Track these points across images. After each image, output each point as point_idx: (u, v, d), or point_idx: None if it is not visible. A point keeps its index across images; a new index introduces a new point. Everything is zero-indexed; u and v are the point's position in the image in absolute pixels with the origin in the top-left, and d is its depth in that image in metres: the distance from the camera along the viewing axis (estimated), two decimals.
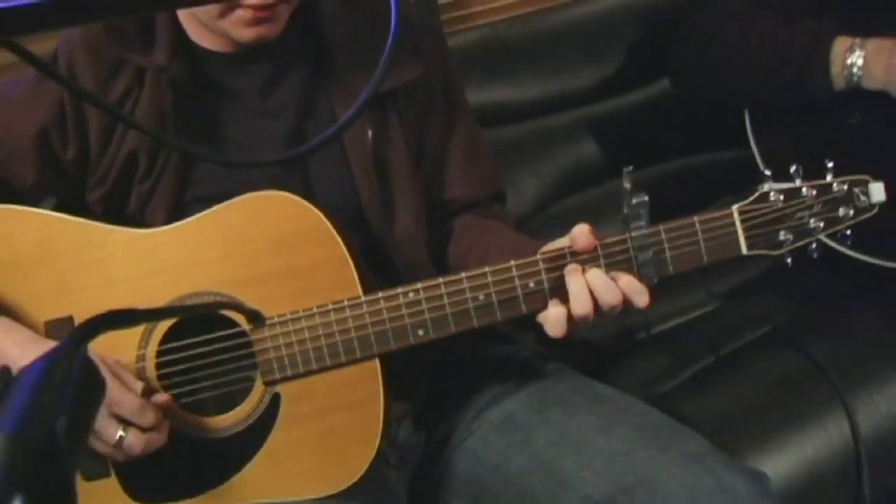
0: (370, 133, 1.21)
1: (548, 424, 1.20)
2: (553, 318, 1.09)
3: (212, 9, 1.11)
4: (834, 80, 1.48)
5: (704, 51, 1.63)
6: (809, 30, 1.50)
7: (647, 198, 1.06)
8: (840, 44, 1.47)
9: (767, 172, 1.10)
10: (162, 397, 1.11)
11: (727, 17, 1.60)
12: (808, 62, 1.48)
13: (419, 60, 1.26)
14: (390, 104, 1.23)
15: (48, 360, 0.61)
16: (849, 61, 1.46)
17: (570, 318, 1.08)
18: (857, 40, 1.46)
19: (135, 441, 1.07)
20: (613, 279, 1.07)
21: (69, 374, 0.61)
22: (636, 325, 1.65)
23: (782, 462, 1.34)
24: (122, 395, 1.08)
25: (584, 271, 1.08)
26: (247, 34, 1.14)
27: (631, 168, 1.07)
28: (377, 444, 1.12)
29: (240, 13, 1.11)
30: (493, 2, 2.10)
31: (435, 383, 1.31)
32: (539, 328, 1.12)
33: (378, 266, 1.19)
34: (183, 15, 1.20)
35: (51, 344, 1.12)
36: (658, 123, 1.90)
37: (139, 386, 1.10)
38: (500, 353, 1.34)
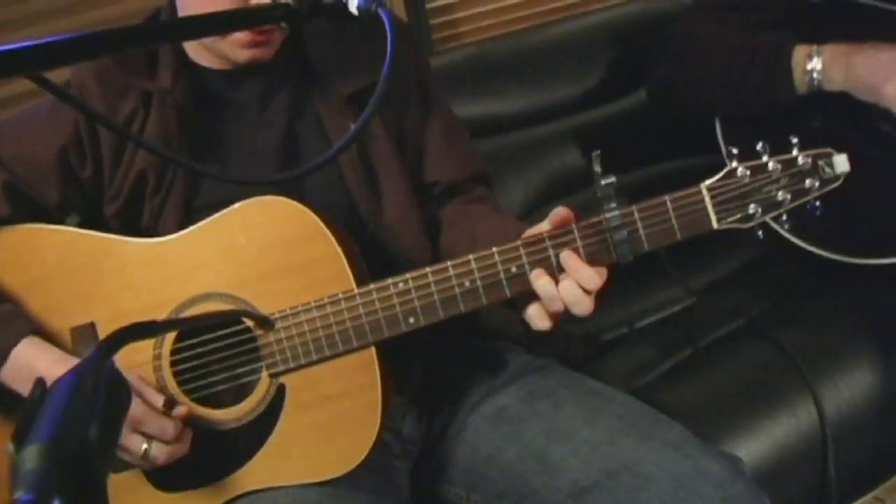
0: (352, 127, 1.27)
1: (537, 416, 1.25)
2: (535, 314, 1.14)
3: None
4: (797, 86, 1.55)
5: (677, 66, 1.71)
6: (771, 41, 1.58)
7: (614, 179, 1.08)
8: (799, 52, 1.55)
9: (734, 151, 1.12)
10: (182, 410, 1.17)
11: (696, 34, 1.68)
12: (771, 71, 1.56)
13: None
14: (369, 100, 1.29)
15: (78, 372, 0.67)
16: (809, 67, 1.53)
17: (549, 312, 1.13)
18: (815, 47, 1.54)
19: (159, 453, 1.14)
20: (564, 264, 1.10)
21: (97, 384, 0.66)
22: (619, 321, 1.71)
23: (755, 446, 1.40)
24: (145, 413, 1.14)
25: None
26: (242, 55, 1.22)
27: (599, 152, 1.09)
28: (378, 426, 1.18)
29: (238, 35, 1.19)
30: (480, 21, 2.20)
31: (430, 378, 1.36)
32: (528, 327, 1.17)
33: (374, 252, 1.25)
34: None
35: (75, 363, 1.16)
36: (635, 132, 1.97)
37: (160, 401, 1.17)
38: (491, 349, 1.40)
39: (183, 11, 1.23)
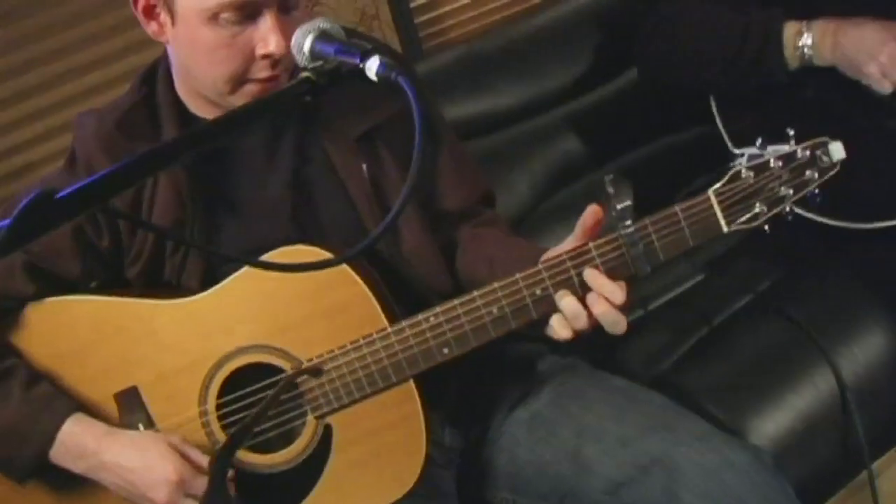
0: (365, 167, 1.25)
1: (569, 417, 1.26)
2: (558, 325, 1.12)
3: (222, 87, 1.15)
4: (788, 62, 1.52)
5: (668, 47, 1.67)
6: (761, 20, 1.54)
7: (630, 202, 1.08)
8: (789, 28, 1.51)
9: (737, 152, 1.11)
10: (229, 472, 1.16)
11: (685, 14, 1.63)
12: (763, 48, 1.52)
13: (396, 93, 1.29)
14: (379, 138, 1.26)
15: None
16: (800, 43, 1.50)
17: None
18: (804, 23, 1.50)
19: None
20: (588, 282, 1.09)
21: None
22: (634, 303, 1.69)
23: (781, 418, 1.40)
24: (193, 478, 1.15)
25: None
26: None
27: (612, 176, 1.08)
28: (425, 453, 1.18)
29: (249, 87, 1.15)
30: (466, 13, 2.13)
31: (464, 389, 1.36)
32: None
33: (393, 282, 1.23)
34: (183, 93, 1.23)
35: (124, 437, 1.18)
36: (630, 112, 1.92)
37: (205, 461, 1.16)
38: (517, 353, 1.39)
39: (189, 66, 1.18)
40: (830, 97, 1.54)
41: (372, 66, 0.91)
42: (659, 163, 1.88)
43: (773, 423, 1.39)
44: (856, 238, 1.49)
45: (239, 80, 1.14)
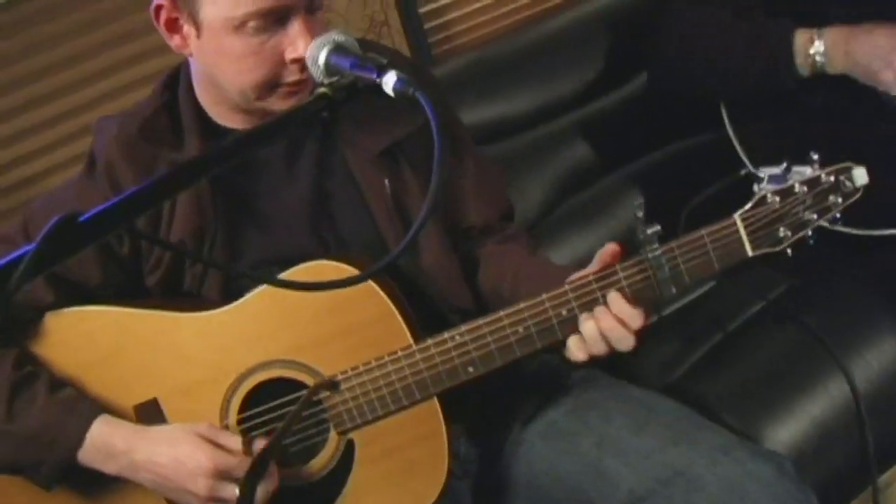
0: (387, 182, 1.24)
1: (588, 428, 1.25)
2: (574, 346, 1.14)
3: (251, 94, 1.15)
4: (800, 70, 1.52)
5: (678, 56, 1.67)
6: (771, 28, 1.54)
7: (659, 227, 1.09)
8: (800, 36, 1.51)
9: (761, 175, 1.12)
10: (261, 443, 1.17)
11: (696, 23, 1.63)
12: (774, 58, 1.52)
13: (419, 107, 1.29)
14: (400, 153, 1.26)
15: None
16: (811, 51, 1.50)
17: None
18: (815, 31, 1.50)
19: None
20: (609, 305, 1.10)
21: None
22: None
23: (795, 427, 1.40)
24: (226, 459, 1.14)
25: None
26: (284, 105, 1.16)
27: (642, 201, 1.10)
28: (445, 470, 1.19)
29: (281, 90, 1.14)
30: (475, 18, 2.12)
31: (482, 401, 1.35)
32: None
33: (412, 297, 1.23)
34: (205, 101, 1.23)
35: (153, 433, 1.17)
36: (641, 117, 1.92)
37: (238, 442, 1.16)
38: (537, 363, 1.39)
39: (215, 76, 1.17)
40: (840, 103, 1.54)
41: (389, 82, 0.91)
42: (670, 168, 1.88)
43: (787, 430, 1.39)
44: (869, 245, 1.49)
45: (268, 86, 1.13)
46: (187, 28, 1.13)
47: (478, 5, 2.11)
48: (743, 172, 1.62)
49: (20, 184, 1.78)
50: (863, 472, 1.41)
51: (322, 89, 0.89)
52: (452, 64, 1.89)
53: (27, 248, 0.66)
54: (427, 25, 2.06)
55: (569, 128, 1.88)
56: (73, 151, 1.77)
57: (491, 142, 1.81)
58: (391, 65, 0.92)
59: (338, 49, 1.00)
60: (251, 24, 1.08)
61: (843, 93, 1.52)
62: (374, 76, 0.91)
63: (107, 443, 1.16)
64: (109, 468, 1.17)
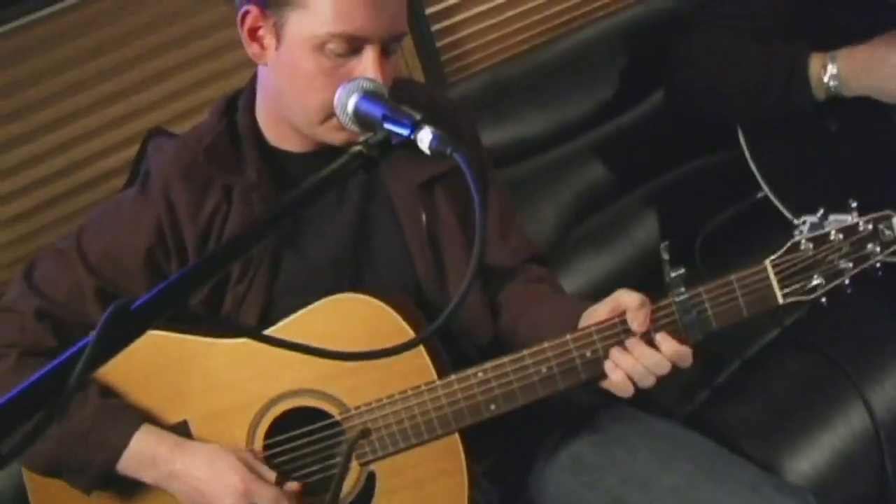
0: (424, 217, 1.24)
1: (614, 463, 1.24)
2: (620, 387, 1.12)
3: (314, 115, 1.14)
4: (815, 94, 1.51)
5: (694, 80, 1.65)
6: (786, 53, 1.53)
7: (683, 270, 1.07)
8: (815, 61, 1.50)
9: (797, 222, 1.09)
10: (293, 485, 1.17)
11: (711, 47, 1.61)
12: (789, 83, 1.51)
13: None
14: (439, 188, 1.26)
15: None
16: (826, 76, 1.48)
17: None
18: (829, 55, 1.49)
19: None
20: (658, 346, 1.09)
21: None
22: None
23: (817, 457, 1.39)
24: (260, 488, 1.14)
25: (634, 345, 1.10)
26: (339, 137, 1.16)
27: (667, 243, 1.07)
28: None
29: (336, 120, 1.12)
30: (487, 35, 2.09)
31: (505, 440, 1.34)
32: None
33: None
34: (266, 121, 1.23)
35: (196, 447, 1.18)
36: (655, 137, 1.89)
37: (273, 476, 1.16)
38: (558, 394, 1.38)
39: (284, 91, 1.16)
40: (856, 124, 1.53)
41: (424, 139, 0.88)
42: (686, 188, 1.86)
43: (808, 460, 1.38)
44: (885, 269, 1.48)
45: (330, 111, 1.11)
46: (268, 39, 1.12)
47: (490, 22, 2.08)
48: (760, 195, 1.62)
49: (81, 187, 1.79)
50: (883, 502, 1.40)
51: (357, 148, 0.87)
52: (466, 86, 1.87)
53: (84, 341, 0.64)
54: (439, 43, 2.04)
55: (583, 149, 1.86)
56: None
57: (506, 164, 1.79)
58: (425, 120, 0.90)
59: (367, 96, 0.99)
60: (330, 46, 1.08)
61: (858, 113, 1.51)
62: (408, 133, 0.89)
63: (152, 450, 1.17)
64: (147, 476, 1.18)
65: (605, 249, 1.77)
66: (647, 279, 1.73)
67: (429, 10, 2.00)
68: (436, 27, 2.03)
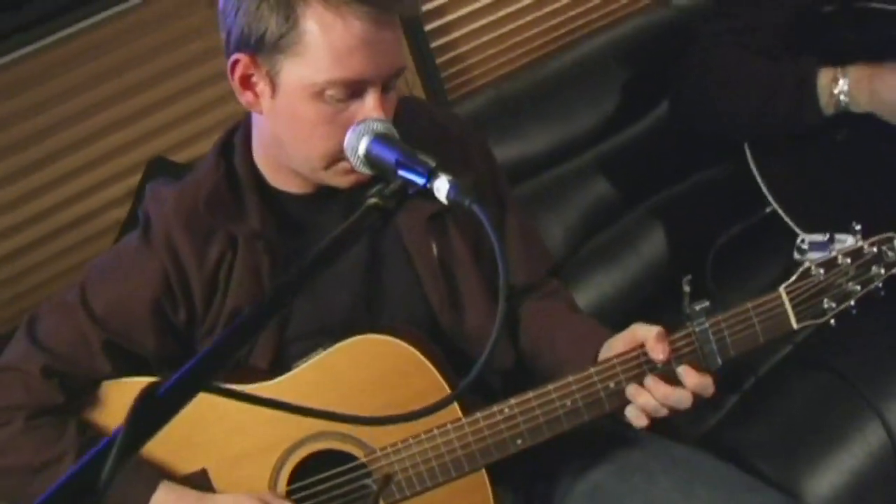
0: (434, 247, 1.23)
1: (634, 491, 1.24)
2: (633, 416, 1.14)
3: (317, 163, 1.11)
4: (823, 109, 1.50)
5: (701, 95, 1.64)
6: (795, 68, 1.52)
7: (708, 303, 1.09)
8: (824, 76, 1.49)
9: (798, 241, 1.12)
10: None
11: (718, 62, 1.60)
12: (797, 98, 1.50)
13: (469, 170, 1.26)
14: (449, 217, 1.24)
15: None
16: (835, 91, 1.48)
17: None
18: (839, 70, 1.48)
19: None
20: (682, 378, 1.10)
21: None
22: None
23: (834, 478, 1.39)
24: None
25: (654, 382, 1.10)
26: (345, 181, 1.14)
27: (690, 277, 1.10)
28: None
29: (343, 164, 1.10)
30: (487, 50, 2.09)
31: (529, 472, 1.33)
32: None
33: (455, 359, 1.21)
34: (264, 164, 1.20)
35: (214, 499, 1.17)
36: (660, 151, 1.89)
37: None
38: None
39: (283, 139, 1.13)
40: (863, 140, 1.52)
41: (441, 189, 0.86)
42: (692, 202, 1.85)
43: (827, 481, 1.38)
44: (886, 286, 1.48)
45: (335, 157, 1.09)
46: (262, 86, 1.08)
47: (489, 37, 2.08)
48: (768, 210, 1.62)
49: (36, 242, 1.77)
50: None
51: (372, 200, 0.85)
52: (469, 104, 1.85)
53: (115, 432, 0.62)
54: (439, 60, 2.03)
55: (589, 164, 1.85)
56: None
57: (512, 182, 1.76)
58: (440, 167, 0.87)
59: (378, 139, 0.97)
60: (329, 92, 1.04)
61: (866, 129, 1.50)
62: (424, 182, 0.87)
63: None
64: None
65: (614, 266, 1.77)
66: (655, 294, 1.75)
67: (428, 27, 1.99)
68: (435, 44, 2.02)
